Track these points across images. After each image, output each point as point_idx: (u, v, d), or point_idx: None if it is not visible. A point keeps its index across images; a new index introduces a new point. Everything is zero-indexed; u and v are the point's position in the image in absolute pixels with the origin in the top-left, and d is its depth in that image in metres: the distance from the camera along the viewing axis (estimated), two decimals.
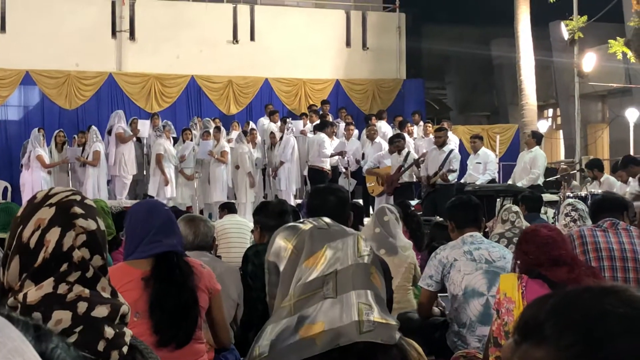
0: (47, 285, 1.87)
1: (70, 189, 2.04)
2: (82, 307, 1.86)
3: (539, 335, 1.12)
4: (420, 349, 2.06)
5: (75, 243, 1.90)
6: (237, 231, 8.18)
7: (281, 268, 2.01)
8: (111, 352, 1.85)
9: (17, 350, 0.76)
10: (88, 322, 1.85)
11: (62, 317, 1.83)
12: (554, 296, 1.16)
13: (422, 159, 14.22)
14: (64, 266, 1.89)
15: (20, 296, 1.86)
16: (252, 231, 5.80)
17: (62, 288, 1.87)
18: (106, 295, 1.94)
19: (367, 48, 22.03)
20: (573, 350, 1.07)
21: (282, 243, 2.05)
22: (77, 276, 1.89)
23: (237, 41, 20.68)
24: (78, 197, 1.99)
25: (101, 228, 1.98)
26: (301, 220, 2.12)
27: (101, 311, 1.89)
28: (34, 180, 15.01)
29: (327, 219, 2.10)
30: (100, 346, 1.83)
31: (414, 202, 12.37)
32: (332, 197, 4.25)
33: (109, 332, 1.86)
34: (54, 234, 1.89)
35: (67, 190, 2.03)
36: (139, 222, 3.68)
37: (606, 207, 5.72)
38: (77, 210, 1.94)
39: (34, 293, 1.85)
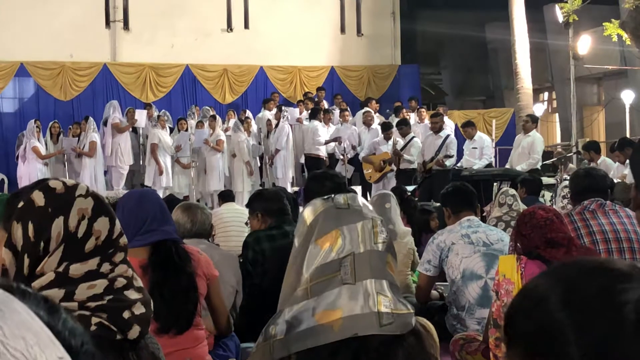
0: (92, 262, 1.97)
1: (77, 182, 2.12)
2: (119, 283, 1.99)
3: (524, 325, 1.11)
4: (430, 326, 2.06)
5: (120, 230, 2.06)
6: (235, 219, 8.17)
7: (296, 244, 2.01)
8: (134, 325, 1.96)
9: (24, 324, 0.76)
10: (119, 295, 1.97)
11: (96, 283, 1.94)
12: (533, 284, 1.15)
13: (399, 148, 14.24)
14: (112, 251, 2.02)
15: (62, 267, 1.94)
16: (247, 223, 5.79)
17: (105, 267, 1.98)
18: (138, 284, 2.08)
19: (362, 34, 21.98)
20: (563, 337, 1.05)
21: (304, 217, 2.04)
22: (122, 257, 2.03)
23: (231, 29, 20.63)
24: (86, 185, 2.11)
25: None
26: (330, 195, 2.08)
27: (132, 294, 2.01)
28: (31, 172, 14.99)
29: (358, 198, 2.07)
30: (126, 315, 1.95)
31: (410, 188, 12.37)
32: (328, 183, 4.26)
33: (139, 308, 1.99)
34: (103, 223, 2.00)
35: (68, 180, 2.10)
36: (132, 213, 3.66)
37: (593, 188, 5.36)
38: (104, 198, 2.07)
39: (78, 267, 1.94)
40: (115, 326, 1.91)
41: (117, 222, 2.04)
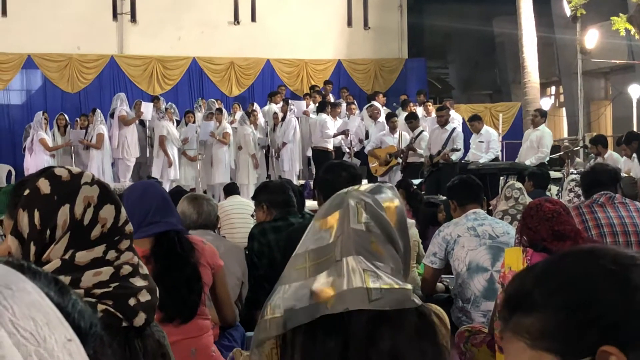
0: (98, 249, 1.98)
1: (83, 170, 2.14)
2: (125, 270, 1.99)
3: (528, 303, 1.14)
4: (443, 314, 2.07)
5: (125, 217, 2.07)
6: (240, 212, 8.17)
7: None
8: (139, 312, 1.97)
9: (34, 305, 0.76)
10: (125, 282, 1.98)
11: (102, 270, 1.95)
12: (536, 266, 1.18)
13: (413, 144, 14.25)
14: (118, 239, 2.03)
15: (68, 255, 1.95)
16: (252, 215, 5.79)
17: (111, 254, 1.99)
18: (144, 272, 2.08)
19: (369, 27, 21.94)
20: (565, 311, 1.09)
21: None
22: (127, 245, 2.03)
23: (238, 22, 20.60)
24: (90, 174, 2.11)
25: None
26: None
27: (138, 281, 2.01)
28: (38, 164, 14.98)
29: (384, 187, 2.14)
30: (131, 302, 1.95)
31: (417, 181, 12.37)
32: (344, 173, 4.24)
33: (144, 295, 2.00)
34: (108, 211, 2.01)
35: (73, 168, 2.11)
36: (135, 204, 3.66)
37: (599, 181, 5.50)
38: (110, 187, 2.09)
39: (84, 254, 1.95)
40: (121, 313, 1.92)
41: (123, 209, 2.05)
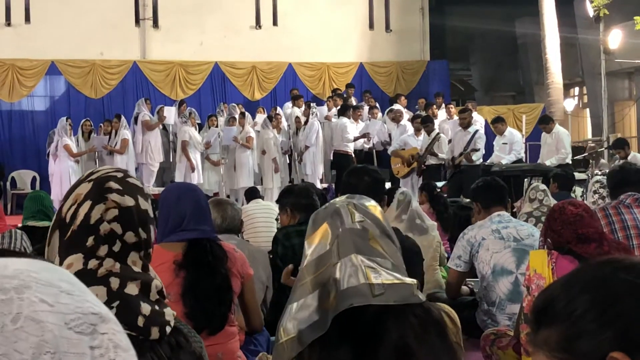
0: (77, 261, 1.87)
1: (116, 168, 2.06)
2: (114, 282, 1.87)
3: (550, 316, 1.16)
4: (452, 312, 2.06)
5: (104, 216, 1.90)
6: (263, 216, 8.19)
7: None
8: (151, 328, 1.86)
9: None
10: (123, 298, 1.86)
11: (97, 293, 1.82)
12: (559, 280, 1.21)
13: (433, 148, 14.23)
14: (90, 240, 1.89)
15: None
16: (277, 219, 5.80)
17: (92, 263, 1.87)
18: (137, 269, 1.94)
19: (391, 30, 21.90)
20: (584, 320, 1.11)
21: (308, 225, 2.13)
22: (106, 250, 1.89)
23: (260, 26, 20.65)
24: (119, 175, 1.99)
25: (141, 206, 1.96)
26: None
27: (132, 288, 1.89)
28: (62, 170, 15.12)
29: (343, 197, 2.16)
30: (140, 322, 1.84)
31: (440, 184, 12.34)
32: (367, 178, 4.25)
33: (146, 308, 1.87)
34: (85, 207, 1.90)
35: (112, 168, 2.04)
36: (171, 207, 3.70)
37: (627, 181, 5.40)
38: (113, 185, 1.94)
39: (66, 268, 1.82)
40: (135, 332, 1.83)
41: (103, 207, 1.90)
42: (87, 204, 1.90)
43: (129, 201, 1.94)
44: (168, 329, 1.90)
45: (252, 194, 9.74)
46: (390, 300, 1.86)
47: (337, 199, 2.12)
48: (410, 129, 15.40)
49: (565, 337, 1.13)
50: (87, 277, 1.83)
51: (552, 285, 1.22)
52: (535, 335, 1.19)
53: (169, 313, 1.94)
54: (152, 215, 2.02)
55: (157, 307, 1.90)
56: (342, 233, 1.97)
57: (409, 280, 1.94)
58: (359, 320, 1.86)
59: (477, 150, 13.25)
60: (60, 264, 1.87)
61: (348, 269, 1.90)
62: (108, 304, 1.81)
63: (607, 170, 12.10)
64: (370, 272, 1.89)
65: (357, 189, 4.01)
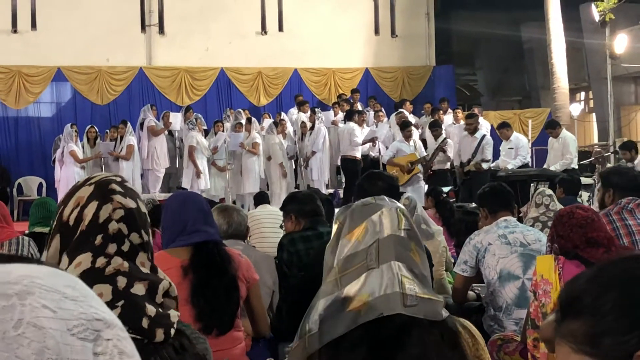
0: (85, 260, 1.88)
1: (112, 173, 2.08)
2: (121, 282, 1.87)
3: (577, 308, 1.15)
4: (475, 331, 2.05)
5: (112, 216, 1.92)
6: (270, 221, 8.18)
7: (330, 244, 2.06)
8: (156, 329, 1.85)
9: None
10: (129, 297, 1.86)
11: (102, 291, 1.83)
12: (587, 272, 1.20)
13: (444, 146, 14.21)
14: (99, 238, 1.89)
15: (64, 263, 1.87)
16: (281, 226, 5.80)
17: (100, 261, 1.88)
18: (145, 270, 1.94)
19: (396, 35, 21.90)
20: (612, 317, 1.09)
21: (336, 217, 2.10)
22: (115, 249, 1.90)
23: (265, 32, 20.67)
24: (118, 179, 2.01)
25: (142, 210, 1.99)
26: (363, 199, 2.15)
27: (139, 289, 1.88)
28: (69, 176, 15.13)
29: (384, 197, 2.13)
30: (144, 323, 1.83)
31: (446, 189, 12.33)
32: (380, 183, 4.25)
33: (151, 309, 1.86)
34: (91, 208, 1.91)
35: (109, 173, 2.06)
36: (175, 213, 3.73)
37: (630, 187, 5.30)
38: (116, 187, 1.96)
39: (72, 271, 1.84)
40: (138, 334, 1.82)
41: (110, 207, 1.92)
42: (94, 204, 1.92)
43: (131, 203, 1.96)
44: (172, 332, 1.89)
45: (261, 198, 9.74)
46: (421, 313, 1.86)
47: (373, 199, 2.08)
48: (415, 135, 15.33)
49: (591, 332, 1.12)
50: (93, 275, 1.84)
51: (579, 277, 1.20)
52: (560, 325, 1.18)
53: (174, 315, 1.93)
54: (149, 220, 2.04)
55: (161, 310, 1.90)
56: (386, 239, 1.95)
57: (440, 297, 1.95)
58: (383, 326, 1.85)
59: (487, 160, 13.24)
60: (69, 264, 1.88)
61: (385, 276, 1.90)
62: (112, 303, 1.82)
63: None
64: (406, 281, 1.89)
65: (369, 193, 4.02)
